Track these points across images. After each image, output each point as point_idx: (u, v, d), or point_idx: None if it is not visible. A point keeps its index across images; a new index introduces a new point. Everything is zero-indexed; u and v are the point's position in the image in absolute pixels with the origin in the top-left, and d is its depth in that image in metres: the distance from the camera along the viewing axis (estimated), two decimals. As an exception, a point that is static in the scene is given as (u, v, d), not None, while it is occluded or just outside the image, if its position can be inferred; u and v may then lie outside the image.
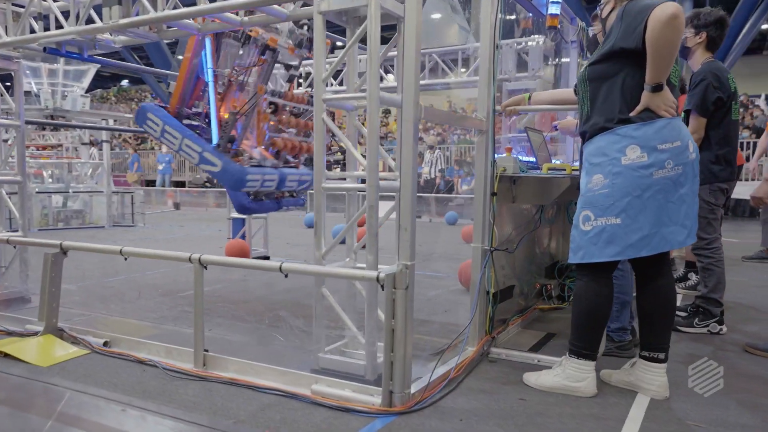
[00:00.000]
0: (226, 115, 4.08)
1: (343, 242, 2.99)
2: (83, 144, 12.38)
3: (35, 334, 3.47)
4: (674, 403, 2.65)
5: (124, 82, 38.32)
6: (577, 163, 3.32)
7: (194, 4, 3.34)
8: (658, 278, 2.70)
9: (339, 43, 5.49)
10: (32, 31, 3.93)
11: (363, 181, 2.80)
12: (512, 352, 3.25)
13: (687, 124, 3.63)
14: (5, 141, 6.47)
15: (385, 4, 2.61)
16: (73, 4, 3.65)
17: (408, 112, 2.55)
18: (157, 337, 3.48)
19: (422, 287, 5.18)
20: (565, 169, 3.65)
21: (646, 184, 2.51)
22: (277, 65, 4.41)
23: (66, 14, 3.70)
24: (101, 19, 3.49)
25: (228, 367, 2.95)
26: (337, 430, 2.35)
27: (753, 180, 11.92)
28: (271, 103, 4.08)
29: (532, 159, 3.82)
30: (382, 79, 6.03)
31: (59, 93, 9.83)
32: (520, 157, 3.61)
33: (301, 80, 6.53)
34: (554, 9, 3.96)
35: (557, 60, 4.75)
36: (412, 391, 2.61)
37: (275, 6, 3.21)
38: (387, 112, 18.26)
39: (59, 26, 3.74)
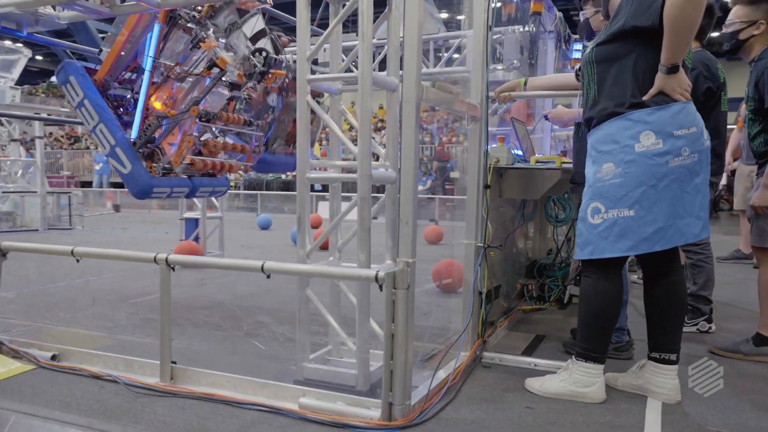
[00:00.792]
0: (157, 105, 3.67)
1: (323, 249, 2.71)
2: (13, 141, 11.54)
3: (-32, 347, 3.03)
4: (687, 407, 2.50)
5: (54, 78, 36.40)
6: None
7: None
8: (670, 274, 2.54)
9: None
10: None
11: (350, 171, 2.56)
12: (506, 357, 3.04)
13: None
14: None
15: (377, -24, 2.35)
16: (12, -28, 3.24)
17: (409, 92, 2.30)
18: (113, 348, 3.11)
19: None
20: (554, 162, 3.48)
21: (661, 172, 2.34)
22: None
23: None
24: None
25: (200, 380, 2.62)
26: (335, 450, 2.08)
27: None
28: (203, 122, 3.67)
29: (519, 152, 3.64)
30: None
31: (-15, 84, 9.10)
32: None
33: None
34: (539, -7, 3.81)
35: (534, 51, 4.60)
36: (412, 402, 2.36)
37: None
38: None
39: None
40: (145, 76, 3.66)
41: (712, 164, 3.59)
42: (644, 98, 2.37)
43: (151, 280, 5.25)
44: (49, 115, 9.89)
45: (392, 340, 2.26)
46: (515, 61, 4.50)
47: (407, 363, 2.28)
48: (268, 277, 2.46)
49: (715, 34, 3.57)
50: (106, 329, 3.65)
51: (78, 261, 2.92)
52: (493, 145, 3.08)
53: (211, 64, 3.60)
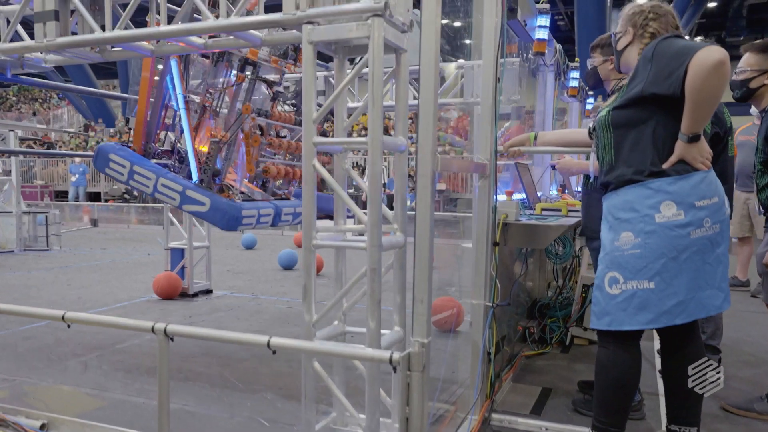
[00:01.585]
0: (203, 148, 3.55)
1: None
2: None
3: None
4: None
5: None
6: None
7: (144, 24, 2.87)
8: (689, 345, 2.46)
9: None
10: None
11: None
12: (516, 419, 2.95)
13: None
14: None
15: (387, 36, 2.25)
16: (-4, 16, 3.09)
17: (425, 165, 2.20)
18: (105, 411, 2.96)
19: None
20: (560, 209, 3.41)
21: (683, 245, 2.26)
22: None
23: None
24: (32, 36, 2.95)
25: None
26: None
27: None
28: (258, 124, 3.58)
29: (522, 196, 3.56)
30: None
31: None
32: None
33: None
34: (542, 34, 3.73)
35: (533, 83, 4.54)
36: (426, 484, 2.25)
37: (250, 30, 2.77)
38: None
39: (-22, 42, 3.14)
40: (183, 116, 3.58)
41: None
42: (664, 166, 2.29)
43: (136, 318, 5.05)
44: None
45: (407, 424, 2.16)
46: (513, 95, 4.45)
47: (423, 448, 2.17)
48: (274, 353, 2.34)
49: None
50: (96, 386, 3.47)
51: (64, 321, 2.75)
52: (502, 199, 2.99)
53: (243, 64, 3.51)
